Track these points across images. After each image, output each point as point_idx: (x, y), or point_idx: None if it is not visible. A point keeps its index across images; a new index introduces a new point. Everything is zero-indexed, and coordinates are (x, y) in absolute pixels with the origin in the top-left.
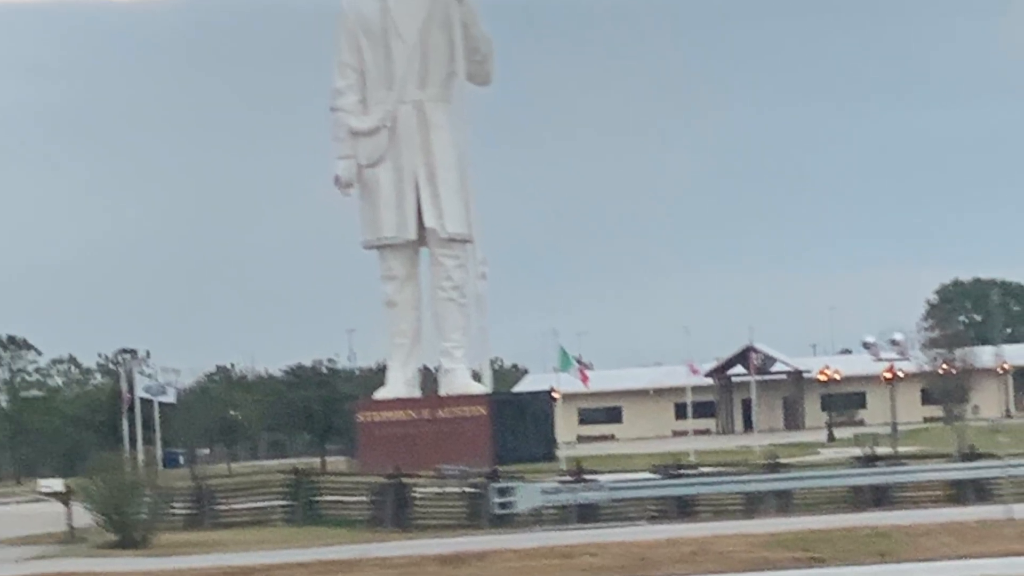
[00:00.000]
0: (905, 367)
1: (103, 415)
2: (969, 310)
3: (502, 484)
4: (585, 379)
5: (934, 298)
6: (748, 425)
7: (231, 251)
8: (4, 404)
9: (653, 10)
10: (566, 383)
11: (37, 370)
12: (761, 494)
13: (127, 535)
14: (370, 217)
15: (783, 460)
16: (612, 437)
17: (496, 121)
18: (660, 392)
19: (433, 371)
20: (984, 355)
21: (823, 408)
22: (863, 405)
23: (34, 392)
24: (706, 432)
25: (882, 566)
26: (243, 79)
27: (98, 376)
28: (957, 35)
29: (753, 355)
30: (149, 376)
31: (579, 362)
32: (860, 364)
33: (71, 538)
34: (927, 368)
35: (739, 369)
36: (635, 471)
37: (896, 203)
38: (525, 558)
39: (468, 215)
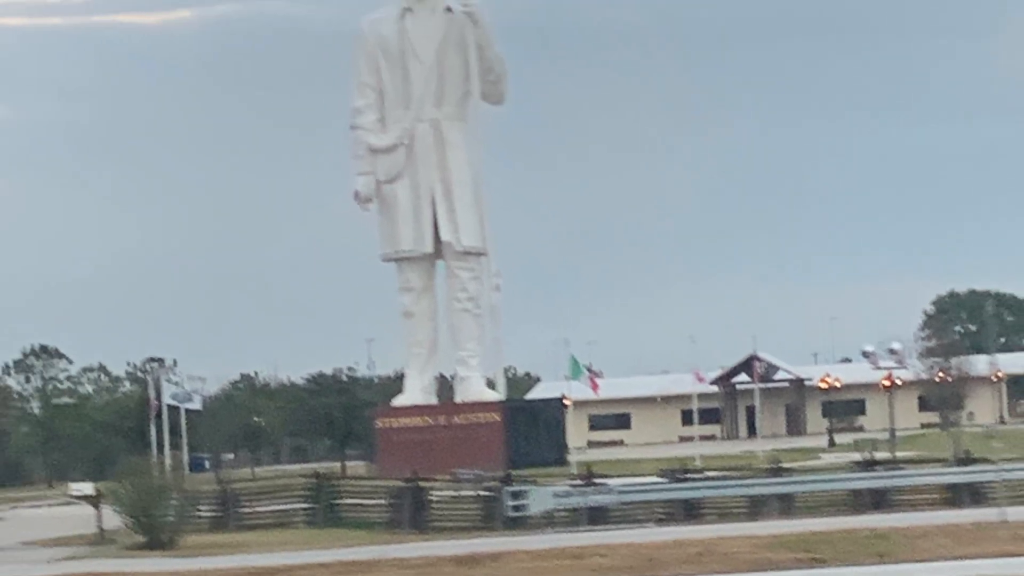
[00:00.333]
0: (903, 375)
1: (132, 421)
2: (964, 320)
3: (515, 488)
4: (595, 387)
5: (931, 309)
6: (752, 431)
7: (255, 264)
8: (36, 411)
9: (660, 33)
10: (577, 390)
11: (68, 378)
12: (764, 497)
13: (155, 537)
14: (388, 231)
15: (785, 465)
16: (621, 442)
17: (510, 139)
18: (667, 399)
19: (449, 379)
20: (979, 364)
21: (824, 414)
22: (862, 412)
23: (65, 399)
24: (711, 438)
25: (881, 566)
26: (264, 99)
27: (127, 384)
28: (953, 55)
29: (756, 364)
30: (176, 384)
31: (589, 370)
32: (860, 372)
33: (101, 540)
34: (924, 376)
35: (743, 377)
36: (643, 475)
37: (894, 217)
38: (537, 559)
39: (483, 229)
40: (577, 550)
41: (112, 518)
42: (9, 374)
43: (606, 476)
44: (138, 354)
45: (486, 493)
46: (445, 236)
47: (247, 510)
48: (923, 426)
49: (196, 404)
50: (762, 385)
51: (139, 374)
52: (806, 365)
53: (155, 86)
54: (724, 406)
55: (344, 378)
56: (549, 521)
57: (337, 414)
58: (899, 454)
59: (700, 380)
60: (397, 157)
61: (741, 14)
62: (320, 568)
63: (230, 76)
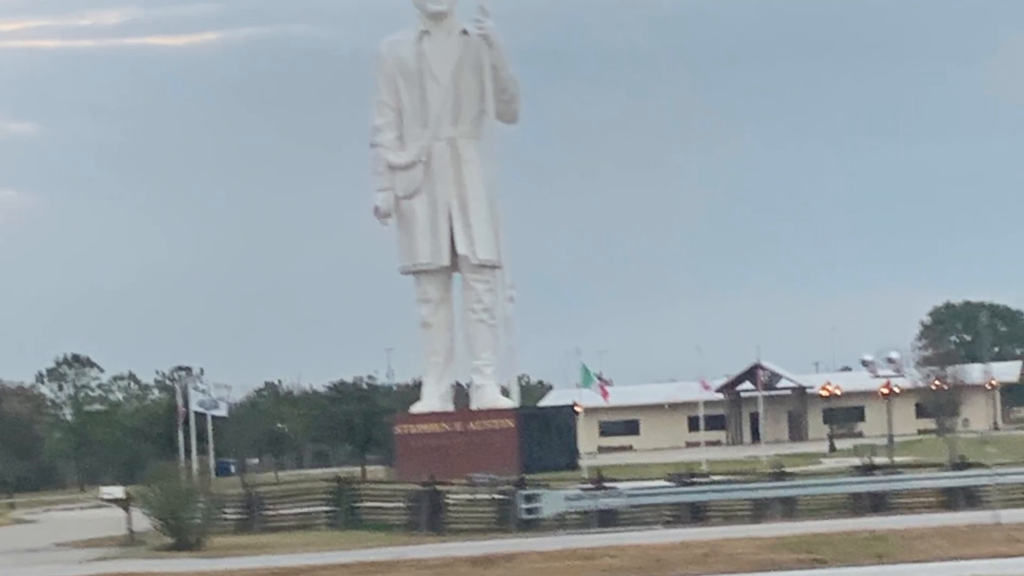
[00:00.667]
0: (901, 383)
1: (160, 427)
2: (960, 331)
3: (529, 491)
4: (605, 394)
5: (927, 319)
6: (756, 437)
7: (278, 277)
8: (69, 417)
9: (669, 56)
10: (588, 398)
11: (99, 386)
12: (768, 500)
13: (182, 538)
14: (407, 245)
15: (788, 469)
16: (630, 448)
17: (524, 157)
18: (674, 406)
19: (465, 387)
20: (973, 372)
21: (825, 421)
22: (862, 418)
23: (96, 406)
24: (717, 443)
25: (879, 567)
26: (287, 118)
27: (156, 391)
28: (948, 78)
29: (760, 372)
30: (203, 391)
31: (599, 378)
32: (859, 380)
33: (131, 541)
34: (921, 384)
35: (747, 385)
36: (651, 479)
37: (892, 231)
38: (550, 559)
39: (497, 243)
40: (588, 551)
41: (142, 520)
42: (43, 382)
43: (616, 480)
44: (167, 363)
45: (501, 496)
46: (461, 249)
47: (271, 513)
48: (920, 432)
49: (222, 411)
50: (765, 393)
51: (167, 382)
52: (808, 374)
53: (183, 106)
54: (729, 413)
55: (364, 386)
56: (561, 523)
57: (357, 420)
58: (897, 459)
59: (706, 388)
60: (415, 174)
61: (746, 39)
62: (341, 568)
63: (255, 96)
